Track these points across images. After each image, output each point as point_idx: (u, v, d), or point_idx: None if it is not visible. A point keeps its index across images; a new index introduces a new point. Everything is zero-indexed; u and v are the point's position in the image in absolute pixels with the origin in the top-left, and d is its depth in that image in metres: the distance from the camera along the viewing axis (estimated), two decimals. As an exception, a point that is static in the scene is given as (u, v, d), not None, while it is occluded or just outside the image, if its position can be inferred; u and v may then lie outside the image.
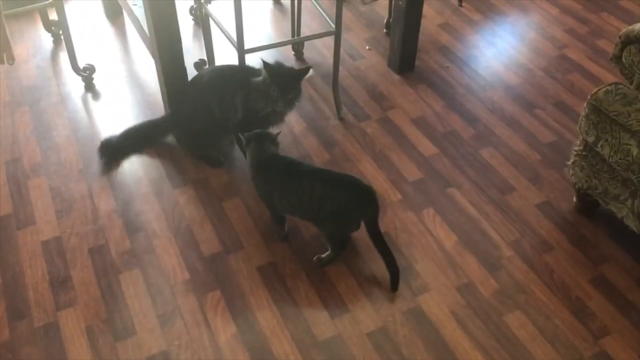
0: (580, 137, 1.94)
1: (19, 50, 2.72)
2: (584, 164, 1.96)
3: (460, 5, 3.13)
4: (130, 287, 1.84)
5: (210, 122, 2.15)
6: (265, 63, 2.01)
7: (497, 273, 1.91)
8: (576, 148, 1.99)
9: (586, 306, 1.82)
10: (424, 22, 2.65)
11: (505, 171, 2.25)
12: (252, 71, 2.13)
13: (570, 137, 2.37)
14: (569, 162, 2.03)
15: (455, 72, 2.71)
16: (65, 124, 2.40)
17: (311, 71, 2.08)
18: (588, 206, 2.07)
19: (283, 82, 2.01)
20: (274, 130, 2.08)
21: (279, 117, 2.16)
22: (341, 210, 1.84)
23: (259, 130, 1.96)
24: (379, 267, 1.91)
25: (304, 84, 2.59)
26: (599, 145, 1.84)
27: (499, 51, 2.85)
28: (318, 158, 2.28)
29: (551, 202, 2.14)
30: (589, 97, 1.86)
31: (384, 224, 2.03)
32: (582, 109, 1.89)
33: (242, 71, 2.17)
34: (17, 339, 1.71)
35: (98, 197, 2.11)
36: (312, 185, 1.83)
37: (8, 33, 2.12)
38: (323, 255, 1.91)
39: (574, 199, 2.11)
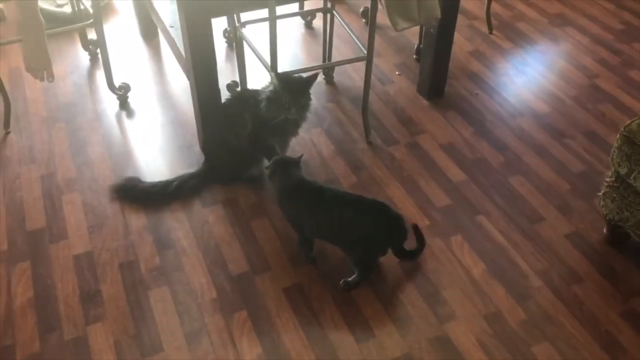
0: (612, 169, 1.93)
1: (57, 68, 2.78)
2: (615, 195, 1.94)
3: (491, 33, 3.14)
4: (159, 303, 1.86)
5: (234, 153, 2.20)
6: (276, 73, 2.07)
7: (525, 303, 1.89)
8: (607, 179, 1.97)
9: (616, 340, 1.79)
10: (454, 49, 2.67)
11: (534, 200, 2.24)
12: (254, 92, 2.20)
13: (601, 167, 2.35)
14: (600, 193, 2.02)
15: (484, 99, 2.71)
16: (100, 140, 2.45)
17: (319, 77, 2.12)
18: (618, 238, 2.05)
19: (294, 89, 2.08)
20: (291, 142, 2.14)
21: (292, 126, 2.20)
22: (370, 236, 1.85)
23: (279, 157, 2.01)
24: (405, 293, 1.90)
25: (333, 108, 2.63)
26: (631, 177, 1.83)
27: (528, 79, 2.85)
28: (345, 181, 2.30)
29: (581, 233, 2.12)
30: (621, 128, 1.85)
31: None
32: (613, 139, 1.88)
33: (244, 94, 2.27)
34: (48, 351, 1.74)
35: (129, 213, 2.15)
36: (342, 211, 1.85)
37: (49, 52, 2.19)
38: (349, 279, 1.91)
39: (604, 231, 2.09)
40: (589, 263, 2.02)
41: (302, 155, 2.02)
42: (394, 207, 1.99)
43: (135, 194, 2.19)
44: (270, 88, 2.12)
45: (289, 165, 1.96)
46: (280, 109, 2.09)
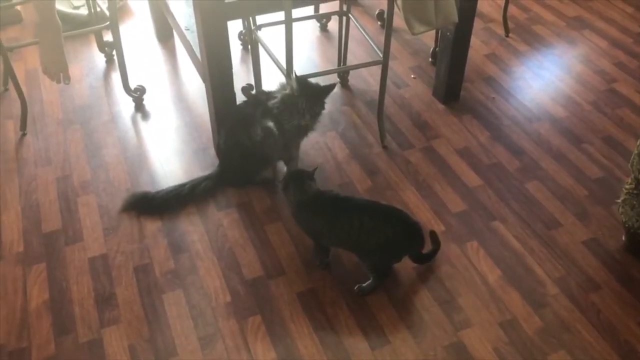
0: (632, 175, 1.90)
1: (73, 70, 2.80)
2: (634, 202, 1.92)
3: (507, 36, 3.12)
4: (173, 307, 1.86)
5: (247, 155, 2.19)
6: (297, 76, 2.06)
7: (541, 310, 1.87)
8: (627, 186, 1.95)
9: (635, 350, 1.77)
10: (470, 52, 2.65)
11: (551, 206, 2.21)
12: (268, 94, 2.19)
13: (619, 173, 2.32)
14: (619, 200, 1.99)
15: (501, 103, 2.69)
16: (115, 142, 2.46)
17: (336, 88, 2.10)
18: (638, 246, 2.02)
19: (311, 95, 2.07)
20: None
21: (301, 133, 2.19)
22: (388, 244, 1.84)
23: (294, 170, 2.00)
24: (420, 299, 1.89)
25: (348, 111, 2.62)
26: (651, 185, 1.80)
27: (545, 83, 2.82)
28: (360, 185, 2.28)
29: (598, 240, 2.09)
30: (642, 134, 1.82)
31: (426, 255, 2.02)
32: (632, 144, 1.86)
33: (259, 97, 2.25)
34: (62, 353, 1.75)
35: (144, 216, 2.15)
36: (361, 219, 1.83)
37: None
38: (364, 285, 1.90)
39: (623, 238, 2.06)
40: (607, 271, 1.99)
41: (316, 168, 2.01)
42: (410, 213, 1.98)
43: (150, 206, 2.16)
44: (286, 91, 2.11)
45: (304, 178, 1.94)
46: (294, 114, 2.08)
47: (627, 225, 1.99)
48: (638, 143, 1.83)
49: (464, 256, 2.03)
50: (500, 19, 3.15)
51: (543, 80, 2.84)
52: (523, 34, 3.14)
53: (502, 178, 2.32)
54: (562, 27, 3.21)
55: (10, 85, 2.60)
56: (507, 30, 3.13)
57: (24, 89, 2.53)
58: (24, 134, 2.50)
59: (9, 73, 2.45)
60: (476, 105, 2.67)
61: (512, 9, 3.29)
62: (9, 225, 2.12)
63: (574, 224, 2.15)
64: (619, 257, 2.04)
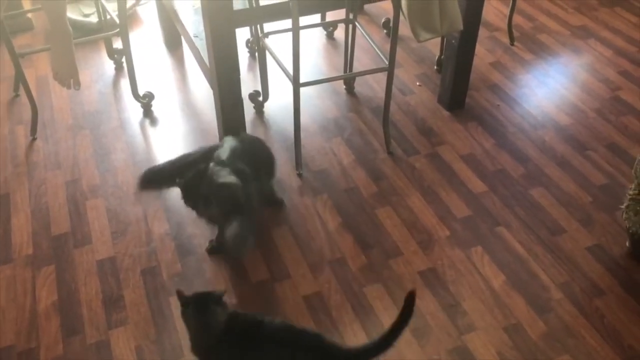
0: (635, 182, 1.91)
1: (83, 76, 2.84)
2: (638, 208, 1.93)
3: (512, 45, 3.14)
4: (180, 309, 1.88)
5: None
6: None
7: (545, 315, 1.88)
8: (631, 192, 1.96)
9: (639, 355, 1.77)
10: (475, 61, 2.67)
11: (555, 212, 2.23)
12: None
13: (623, 180, 2.33)
14: (623, 206, 2.00)
15: (506, 110, 2.71)
16: (124, 148, 2.49)
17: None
18: (642, 252, 2.03)
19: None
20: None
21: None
22: None
23: (200, 292, 1.59)
24: (424, 303, 1.90)
25: (354, 118, 2.65)
26: (655, 190, 1.81)
27: (550, 91, 2.84)
28: (366, 191, 2.30)
29: (603, 246, 2.10)
30: (645, 141, 1.84)
31: (431, 260, 2.04)
32: (636, 151, 1.88)
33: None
34: (70, 354, 1.77)
35: (152, 220, 2.18)
36: (277, 352, 1.51)
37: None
38: None
39: (627, 244, 2.07)
40: (611, 276, 2.00)
41: (224, 291, 1.56)
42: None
43: (160, 178, 2.06)
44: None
45: (207, 303, 1.52)
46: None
47: (631, 231, 2.00)
48: (641, 149, 1.85)
49: (468, 261, 2.04)
50: (505, 27, 3.17)
51: (548, 88, 2.86)
52: (528, 43, 3.17)
53: (506, 184, 2.34)
54: (567, 36, 3.23)
55: (21, 91, 2.65)
56: (512, 39, 3.16)
57: (34, 94, 2.57)
58: (34, 139, 2.54)
59: (21, 79, 2.50)
60: (481, 113, 2.69)
61: (517, 18, 3.32)
62: (19, 227, 2.15)
63: (578, 230, 2.16)
64: (623, 263, 2.04)
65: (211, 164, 1.92)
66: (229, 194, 1.86)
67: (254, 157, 2.04)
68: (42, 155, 2.46)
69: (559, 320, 1.87)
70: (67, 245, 2.10)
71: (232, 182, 1.87)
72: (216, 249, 2.05)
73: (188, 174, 1.91)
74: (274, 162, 2.19)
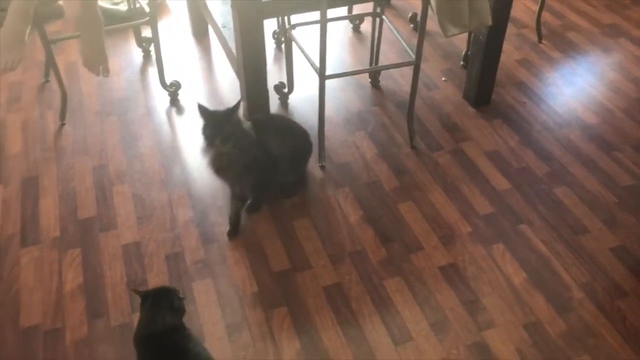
0: (663, 183, 1.89)
1: (112, 63, 2.86)
2: (664, 210, 1.91)
3: (540, 42, 3.11)
4: (202, 295, 1.91)
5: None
6: (199, 105, 1.96)
7: (566, 314, 1.87)
8: (657, 193, 1.94)
9: (660, 357, 1.76)
10: (502, 57, 2.65)
11: (579, 211, 2.21)
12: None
13: (650, 181, 2.31)
14: (649, 207, 1.98)
15: (532, 108, 2.69)
16: (150, 135, 2.53)
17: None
18: (666, 254, 2.01)
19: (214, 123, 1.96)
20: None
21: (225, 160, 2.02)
22: None
23: (163, 286, 1.66)
24: (444, 298, 1.91)
25: (378, 112, 2.65)
26: (682, 192, 1.79)
27: (577, 90, 2.81)
28: (388, 185, 2.31)
29: (626, 247, 2.08)
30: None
31: (452, 255, 2.04)
32: (666, 153, 1.85)
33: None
34: (95, 335, 1.81)
35: (177, 206, 2.21)
36: None
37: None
38: None
39: (652, 246, 2.05)
40: (634, 278, 1.98)
41: (184, 298, 1.62)
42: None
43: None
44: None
45: (162, 301, 1.54)
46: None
47: (656, 233, 1.98)
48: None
49: (489, 258, 2.04)
50: (534, 25, 3.14)
51: (575, 86, 2.83)
52: (556, 41, 3.14)
53: (530, 182, 2.32)
54: (597, 35, 3.19)
55: (52, 77, 2.70)
56: (540, 37, 3.13)
57: (64, 80, 2.61)
58: (62, 124, 2.58)
59: (51, 65, 2.54)
60: (507, 110, 2.68)
61: (546, 15, 3.29)
62: (47, 211, 2.20)
63: (602, 230, 2.14)
64: (647, 265, 2.03)
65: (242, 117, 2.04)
66: (248, 143, 1.99)
67: (284, 140, 2.13)
68: (71, 141, 2.50)
69: (580, 319, 1.86)
70: (93, 229, 2.14)
71: (253, 136, 2.02)
72: (234, 222, 2.11)
73: (220, 110, 2.00)
74: (306, 155, 2.24)
